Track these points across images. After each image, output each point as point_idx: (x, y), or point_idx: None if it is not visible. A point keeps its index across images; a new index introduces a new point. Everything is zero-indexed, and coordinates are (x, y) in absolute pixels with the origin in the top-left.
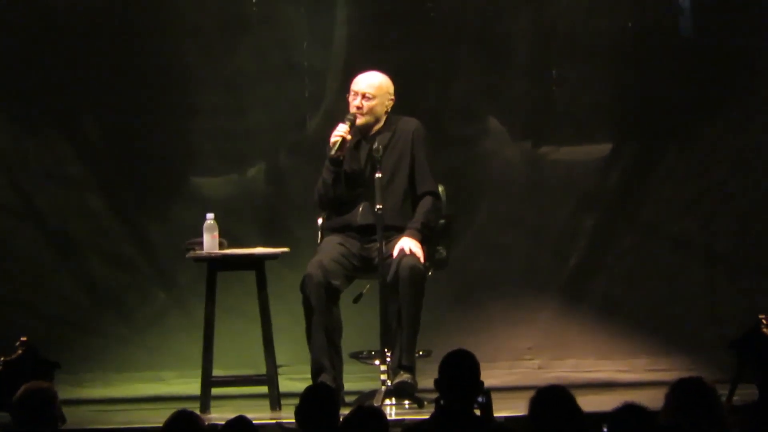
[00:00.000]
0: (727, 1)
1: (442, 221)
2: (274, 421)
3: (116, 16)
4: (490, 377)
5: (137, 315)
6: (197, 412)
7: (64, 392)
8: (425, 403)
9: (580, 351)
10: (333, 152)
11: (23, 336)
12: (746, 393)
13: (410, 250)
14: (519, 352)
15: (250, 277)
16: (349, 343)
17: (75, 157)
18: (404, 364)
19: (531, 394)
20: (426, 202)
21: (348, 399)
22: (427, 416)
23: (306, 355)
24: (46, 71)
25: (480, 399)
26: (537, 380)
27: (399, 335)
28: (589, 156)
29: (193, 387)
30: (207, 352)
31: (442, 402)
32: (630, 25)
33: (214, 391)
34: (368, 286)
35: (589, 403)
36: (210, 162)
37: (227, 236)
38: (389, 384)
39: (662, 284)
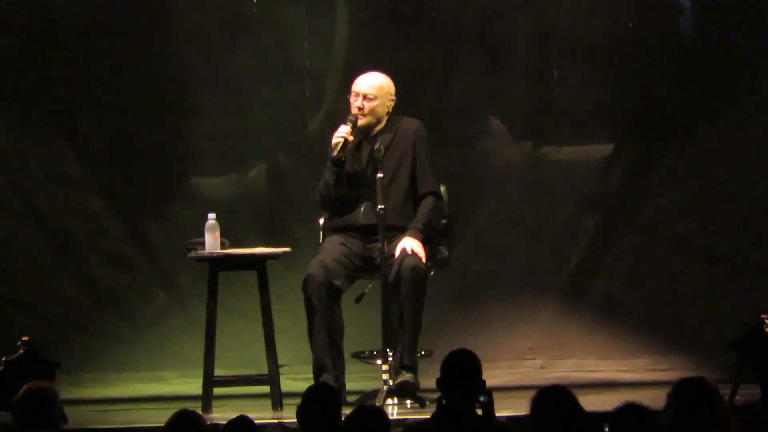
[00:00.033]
0: (727, 1)
1: (444, 221)
2: (275, 421)
3: (116, 16)
4: (491, 377)
5: (138, 315)
6: (199, 411)
7: (65, 392)
8: (427, 402)
9: (581, 351)
10: (335, 153)
11: (24, 336)
12: (748, 393)
13: (412, 250)
14: (520, 351)
15: (252, 277)
16: (350, 342)
17: (75, 157)
18: (406, 363)
19: (532, 393)
20: (427, 202)
21: (350, 399)
22: (428, 416)
23: (307, 354)
24: (46, 71)
25: (482, 398)
26: (538, 380)
27: (401, 335)
28: (589, 156)
29: (195, 387)
30: (209, 352)
31: (443, 401)
32: (630, 25)
33: (216, 390)
34: (370, 286)
35: (591, 402)
36: (210, 162)
37: (228, 236)
38: (391, 384)
39: (663, 284)
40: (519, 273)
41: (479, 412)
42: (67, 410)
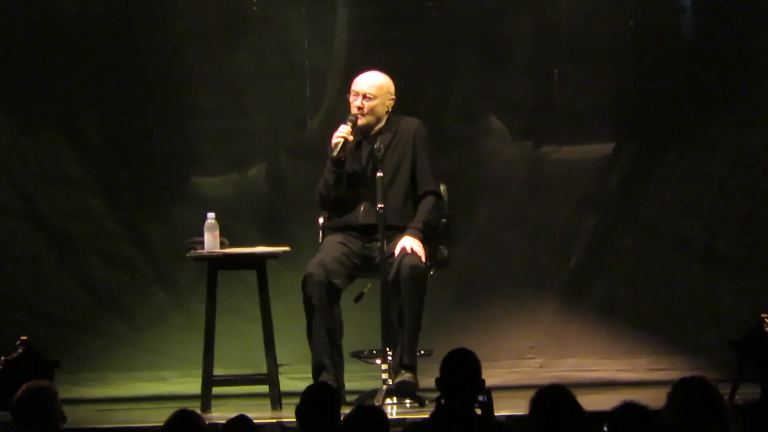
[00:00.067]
0: (727, 1)
1: (444, 221)
2: (275, 421)
3: (117, 16)
4: (491, 376)
5: (137, 314)
6: (198, 411)
7: (65, 391)
8: (426, 402)
9: (581, 350)
10: (335, 153)
11: (23, 335)
12: (748, 392)
13: (412, 249)
14: (520, 351)
15: (251, 276)
16: (350, 342)
17: (75, 157)
18: (405, 363)
19: (532, 393)
20: (428, 202)
21: (349, 398)
22: (428, 415)
23: (307, 354)
24: (46, 71)
25: (481, 398)
26: (538, 379)
27: (400, 334)
28: (589, 156)
29: (194, 386)
30: (208, 352)
31: (442, 401)
32: (631, 24)
33: (215, 390)
34: (369, 285)
35: (591, 402)
36: (210, 162)
37: (227, 236)
38: (390, 383)
39: (663, 284)
40: (519, 272)
41: (478, 411)
42: (67, 410)
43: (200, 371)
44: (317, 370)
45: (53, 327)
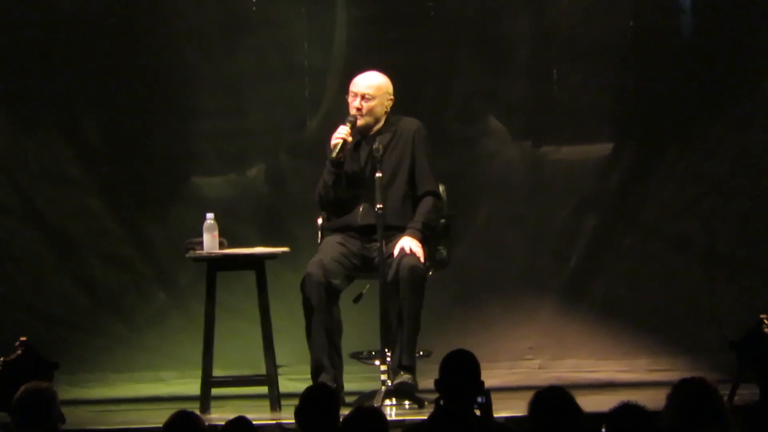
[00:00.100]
0: (728, 1)
1: (443, 221)
2: (274, 422)
3: (116, 16)
4: (490, 377)
5: (137, 315)
6: (197, 412)
7: (64, 392)
8: (425, 403)
9: (581, 351)
10: (334, 154)
11: (23, 336)
12: (747, 393)
13: (411, 250)
14: (519, 352)
15: (250, 277)
16: (349, 343)
17: (75, 157)
18: (404, 364)
19: (531, 394)
20: (427, 202)
21: (348, 399)
22: (427, 417)
23: (306, 355)
24: (46, 71)
25: (480, 399)
26: (537, 380)
27: (399, 335)
28: (589, 156)
29: (193, 387)
30: (207, 352)
31: (441, 402)
32: (630, 24)
33: (214, 391)
34: (368, 286)
35: (590, 403)
36: (210, 162)
37: (227, 236)
38: (389, 384)
39: (663, 284)
40: (518, 273)
41: (477, 412)
42: (66, 410)
43: (199, 372)
44: (316, 371)
45: (53, 327)
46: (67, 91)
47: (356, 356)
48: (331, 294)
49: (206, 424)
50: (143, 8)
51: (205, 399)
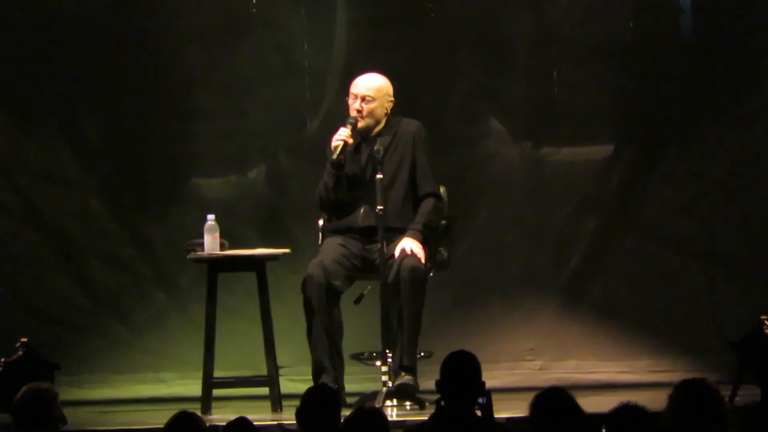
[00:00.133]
0: (728, 2)
1: (444, 222)
2: (275, 423)
3: (116, 18)
4: (491, 378)
5: (137, 316)
6: (198, 413)
7: (65, 393)
8: (426, 404)
9: (581, 352)
10: (334, 156)
11: (23, 337)
12: (748, 394)
13: (411, 251)
14: (520, 353)
15: (251, 278)
16: (350, 344)
17: (75, 158)
18: (405, 365)
19: (532, 395)
20: (427, 204)
21: (349, 400)
22: (428, 417)
23: (307, 356)
24: (47, 73)
25: (480, 400)
26: (538, 381)
27: (400, 336)
28: (589, 157)
29: (194, 388)
30: (208, 353)
31: (442, 403)
32: (630, 25)
33: (215, 392)
34: (369, 287)
35: (591, 404)
36: (210, 163)
37: (227, 237)
38: (390, 385)
39: (663, 285)
40: (519, 274)
41: (478, 413)
42: (67, 411)
43: (200, 373)
44: (317, 372)
45: (53, 328)
46: (67, 91)
47: (357, 357)
48: (332, 295)
49: (207, 425)
50: (143, 8)
51: (206, 400)
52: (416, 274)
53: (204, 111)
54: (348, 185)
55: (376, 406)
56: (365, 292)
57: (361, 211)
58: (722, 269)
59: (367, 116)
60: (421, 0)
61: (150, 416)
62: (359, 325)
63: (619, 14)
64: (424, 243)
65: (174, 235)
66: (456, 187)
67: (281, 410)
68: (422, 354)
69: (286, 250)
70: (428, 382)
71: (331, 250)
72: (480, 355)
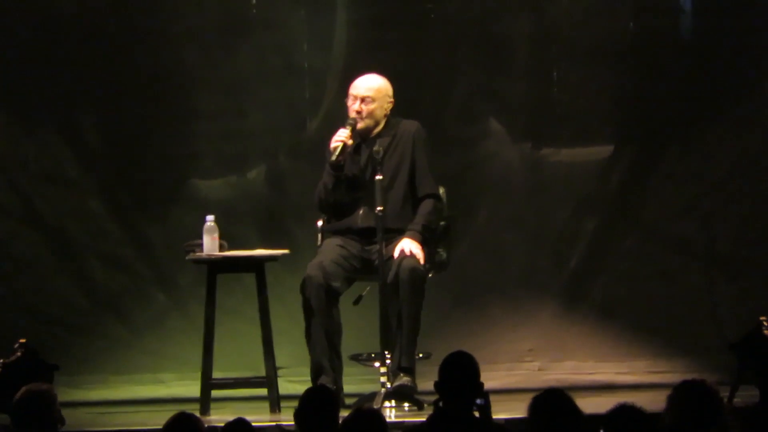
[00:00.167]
0: (728, 2)
1: (443, 223)
2: (273, 424)
3: (116, 18)
4: (490, 379)
5: (137, 317)
6: (197, 414)
7: (64, 394)
8: (425, 405)
9: (581, 353)
10: (334, 157)
11: (22, 338)
12: (747, 395)
13: (410, 252)
14: (519, 354)
15: (250, 279)
16: (348, 345)
17: (75, 159)
18: (404, 366)
19: (531, 396)
20: (427, 204)
21: (348, 401)
22: (426, 419)
23: (306, 357)
24: (46, 73)
25: (479, 401)
26: (537, 382)
27: (399, 337)
28: (589, 157)
29: (193, 389)
30: (207, 354)
31: (441, 404)
32: (631, 26)
33: (214, 393)
34: (368, 288)
35: (590, 405)
36: (210, 164)
37: (227, 238)
38: (389, 386)
39: (662, 286)
40: (518, 275)
41: (477, 414)
42: (66, 412)
43: (199, 374)
44: (316, 373)
45: (52, 329)
46: (67, 91)
47: (356, 358)
48: (331, 296)
49: (206, 425)
50: (143, 8)
51: (204, 401)
52: (415, 275)
53: (204, 111)
54: (347, 186)
55: (375, 407)
56: (364, 293)
57: (361, 212)
58: (722, 269)
59: (366, 117)
60: (421, 0)
61: (149, 417)
62: (358, 326)
63: (619, 14)
64: (424, 244)
65: (174, 235)
66: (456, 187)
67: (280, 411)
68: (421, 355)
69: (286, 251)
70: (427, 383)
71: (330, 251)
72: (479, 356)
